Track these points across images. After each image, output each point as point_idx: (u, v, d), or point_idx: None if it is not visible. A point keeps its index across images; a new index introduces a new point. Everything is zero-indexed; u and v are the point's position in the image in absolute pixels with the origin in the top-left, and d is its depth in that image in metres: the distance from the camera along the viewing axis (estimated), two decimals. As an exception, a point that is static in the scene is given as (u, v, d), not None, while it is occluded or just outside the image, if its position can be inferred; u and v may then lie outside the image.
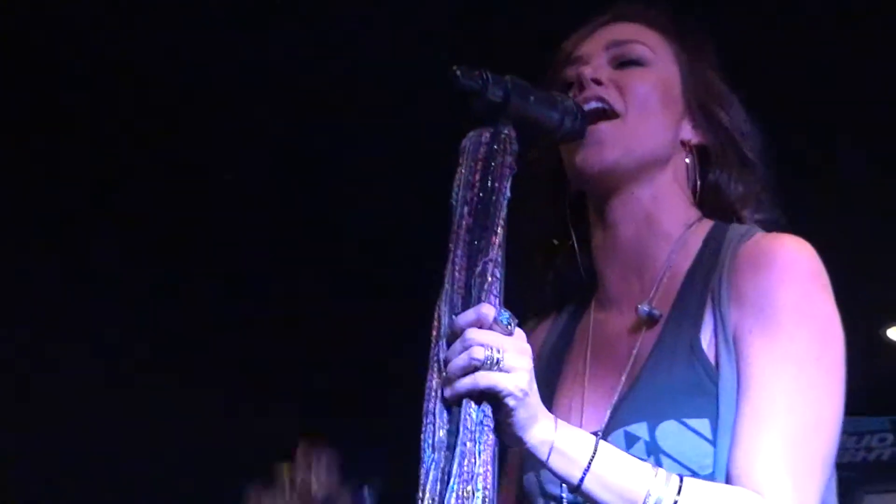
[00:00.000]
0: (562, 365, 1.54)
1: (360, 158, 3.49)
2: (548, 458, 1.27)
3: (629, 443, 1.40)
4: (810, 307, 1.38)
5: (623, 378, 1.47)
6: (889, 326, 4.39)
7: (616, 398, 1.46)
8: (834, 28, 3.08)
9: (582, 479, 1.28)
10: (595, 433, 1.40)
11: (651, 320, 1.45)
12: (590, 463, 1.29)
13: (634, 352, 1.47)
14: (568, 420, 1.40)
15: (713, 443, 1.38)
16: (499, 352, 1.19)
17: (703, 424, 1.38)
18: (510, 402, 1.21)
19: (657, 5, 1.55)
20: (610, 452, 1.30)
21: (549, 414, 1.29)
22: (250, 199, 3.79)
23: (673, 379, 1.42)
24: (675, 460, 1.36)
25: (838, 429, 1.38)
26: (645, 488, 1.29)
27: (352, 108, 3.39)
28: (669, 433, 1.40)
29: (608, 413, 1.45)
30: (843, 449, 4.08)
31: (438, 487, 1.16)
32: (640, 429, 1.40)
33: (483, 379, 1.17)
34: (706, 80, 1.49)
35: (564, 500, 1.41)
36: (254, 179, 3.75)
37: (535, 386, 1.23)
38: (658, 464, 1.37)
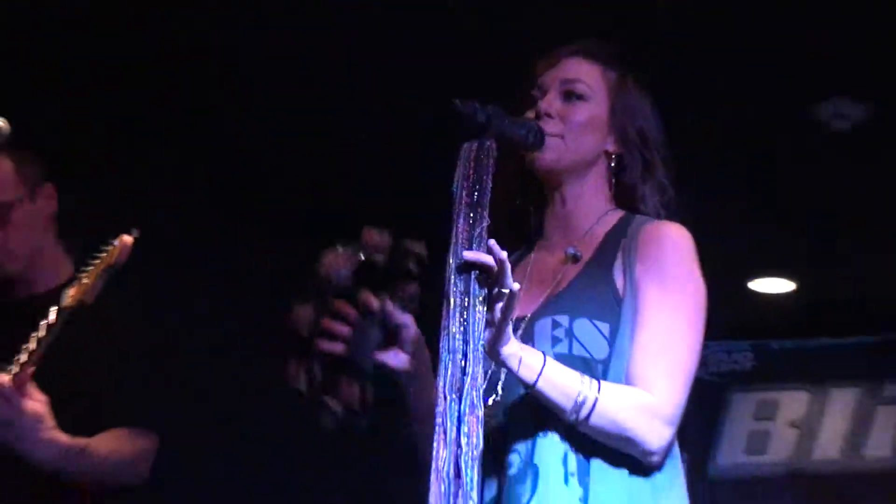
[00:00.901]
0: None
1: None
2: (517, 368, 1.61)
3: (554, 326, 1.76)
4: (685, 271, 1.77)
5: (550, 290, 1.83)
6: (752, 279, 5.22)
7: (545, 299, 1.81)
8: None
9: (536, 381, 1.62)
10: (532, 317, 1.79)
11: (575, 259, 1.82)
12: (542, 370, 1.61)
13: (560, 276, 1.83)
14: (528, 310, 1.81)
15: (610, 342, 1.73)
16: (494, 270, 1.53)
17: (605, 327, 1.73)
18: (494, 319, 1.54)
19: (603, 44, 1.96)
20: (553, 364, 1.64)
21: (515, 338, 1.63)
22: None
23: (590, 293, 1.79)
24: (582, 346, 1.72)
25: (699, 349, 1.75)
26: (576, 390, 1.62)
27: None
28: (582, 326, 1.74)
29: (538, 306, 1.80)
30: (718, 361, 5.21)
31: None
32: (563, 319, 1.74)
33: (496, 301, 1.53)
34: (629, 105, 1.89)
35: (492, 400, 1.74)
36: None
37: (503, 329, 1.57)
38: (571, 347, 1.74)
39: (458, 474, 1.54)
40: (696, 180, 2.12)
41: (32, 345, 2.27)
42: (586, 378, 1.66)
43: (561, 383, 1.65)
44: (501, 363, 1.63)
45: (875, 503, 5.23)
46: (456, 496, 1.52)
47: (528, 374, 1.63)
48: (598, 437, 1.73)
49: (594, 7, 3.36)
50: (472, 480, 1.53)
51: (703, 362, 4.26)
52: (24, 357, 2.27)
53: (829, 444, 5.42)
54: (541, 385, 1.64)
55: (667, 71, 3.14)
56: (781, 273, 5.19)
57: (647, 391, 1.70)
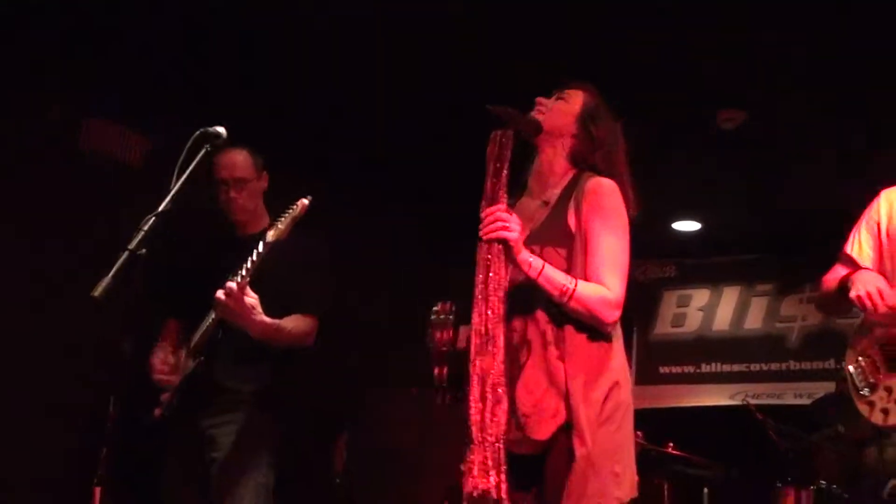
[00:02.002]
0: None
1: None
2: (529, 269, 2.09)
3: (531, 252, 2.18)
4: (614, 209, 2.26)
5: (530, 228, 2.28)
6: (675, 222, 6.39)
7: (527, 235, 2.24)
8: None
9: (539, 276, 2.10)
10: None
11: (545, 205, 2.30)
12: (542, 269, 2.13)
13: (536, 216, 2.30)
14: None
15: (567, 261, 2.22)
16: (516, 224, 2.06)
17: (563, 252, 2.23)
18: (512, 242, 2.07)
19: (588, 84, 2.45)
20: (549, 266, 2.14)
21: (525, 250, 2.09)
22: None
23: (551, 231, 2.26)
24: (548, 262, 2.16)
25: (628, 258, 2.22)
26: (562, 283, 2.13)
27: None
28: (549, 251, 2.22)
29: (526, 238, 2.21)
30: (654, 271, 6.89)
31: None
32: (536, 248, 2.21)
33: (502, 232, 2.05)
34: (595, 115, 2.39)
35: None
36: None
37: (521, 236, 2.03)
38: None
39: (486, 332, 2.07)
40: (643, 169, 2.44)
41: (248, 264, 2.77)
42: (569, 276, 2.13)
43: (554, 278, 2.13)
44: (518, 265, 2.11)
45: (751, 357, 6.50)
46: (486, 345, 2.03)
47: (533, 273, 2.11)
48: (575, 315, 2.16)
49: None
50: (493, 337, 2.04)
51: (644, 271, 6.44)
52: (244, 272, 2.77)
53: (722, 320, 6.76)
54: (541, 279, 2.12)
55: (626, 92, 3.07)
56: (692, 218, 6.40)
57: (603, 285, 2.16)
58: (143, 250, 2.14)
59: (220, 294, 2.76)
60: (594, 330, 2.18)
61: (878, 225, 2.58)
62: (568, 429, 2.11)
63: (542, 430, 2.12)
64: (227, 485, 2.93)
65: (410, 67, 4.21)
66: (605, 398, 2.15)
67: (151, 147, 4.03)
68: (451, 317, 2.26)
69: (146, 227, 2.18)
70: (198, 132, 2.37)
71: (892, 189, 2.61)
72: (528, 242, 2.22)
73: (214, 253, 3.13)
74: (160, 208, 2.24)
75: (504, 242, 2.10)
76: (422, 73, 4.26)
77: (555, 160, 2.38)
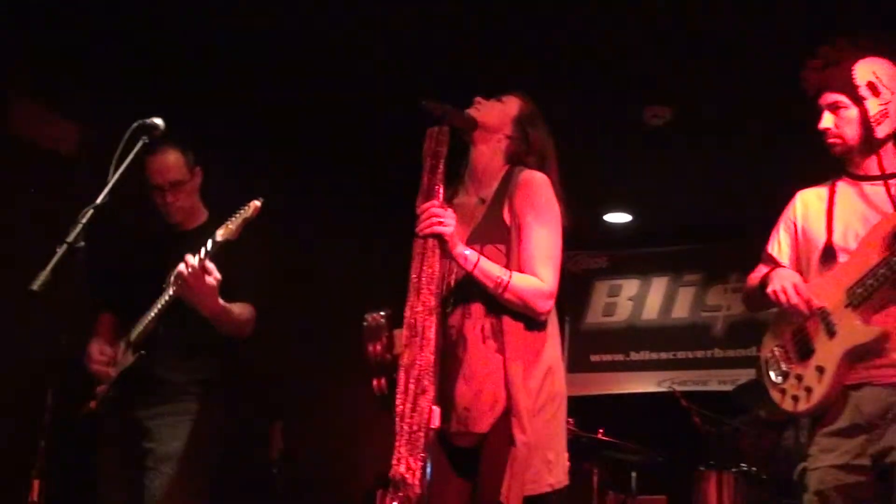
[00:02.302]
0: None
1: None
2: (465, 262, 2.15)
3: (473, 249, 2.27)
4: (546, 202, 2.30)
5: (471, 226, 2.35)
6: (606, 214, 6.59)
7: (469, 234, 2.32)
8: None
9: (474, 269, 2.19)
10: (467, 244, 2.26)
11: (482, 203, 2.38)
12: (477, 261, 2.20)
13: (475, 214, 2.37)
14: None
15: (506, 256, 2.28)
16: (451, 219, 2.12)
17: (502, 248, 2.30)
18: (447, 236, 2.12)
19: (525, 89, 2.54)
20: (484, 259, 2.22)
21: (461, 244, 2.17)
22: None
23: (490, 229, 2.32)
24: (489, 262, 2.25)
25: (561, 249, 2.29)
26: (497, 275, 2.20)
27: None
28: (489, 249, 2.29)
29: (466, 239, 2.29)
30: (587, 262, 7.03)
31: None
32: (476, 246, 2.28)
33: (437, 227, 2.10)
34: (529, 118, 2.47)
35: None
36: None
37: (455, 230, 2.13)
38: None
39: (416, 324, 2.13)
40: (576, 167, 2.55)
41: (202, 253, 2.77)
42: (504, 269, 2.22)
43: (489, 270, 2.22)
44: (454, 259, 2.18)
45: (679, 345, 6.58)
46: (414, 337, 2.10)
47: (469, 265, 2.20)
48: (510, 306, 2.23)
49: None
50: (423, 329, 2.10)
51: (576, 262, 6.55)
52: (202, 254, 2.77)
53: (651, 310, 6.93)
54: (476, 272, 2.21)
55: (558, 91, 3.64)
56: (622, 210, 6.59)
57: (537, 277, 2.24)
58: (82, 243, 2.14)
59: (181, 268, 2.75)
60: (530, 320, 2.24)
61: (795, 225, 2.72)
62: (507, 416, 2.16)
63: (482, 423, 2.18)
64: (165, 474, 2.94)
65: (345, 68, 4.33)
66: (540, 387, 2.21)
67: (85, 135, 4.05)
68: (383, 324, 2.29)
69: (84, 220, 2.18)
70: (135, 124, 2.36)
71: (806, 190, 2.76)
72: (470, 241, 2.28)
73: (153, 249, 3.12)
74: (98, 201, 2.25)
75: (439, 237, 2.15)
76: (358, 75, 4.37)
77: (490, 158, 2.43)
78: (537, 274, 2.24)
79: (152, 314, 2.96)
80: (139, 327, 3.03)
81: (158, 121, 2.36)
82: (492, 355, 2.20)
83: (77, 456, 3.00)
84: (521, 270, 2.25)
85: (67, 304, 2.08)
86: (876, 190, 2.56)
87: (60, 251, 2.13)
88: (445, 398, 2.20)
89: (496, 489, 2.12)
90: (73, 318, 2.23)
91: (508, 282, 2.18)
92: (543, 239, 2.27)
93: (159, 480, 2.92)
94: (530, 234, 2.27)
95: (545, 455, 2.19)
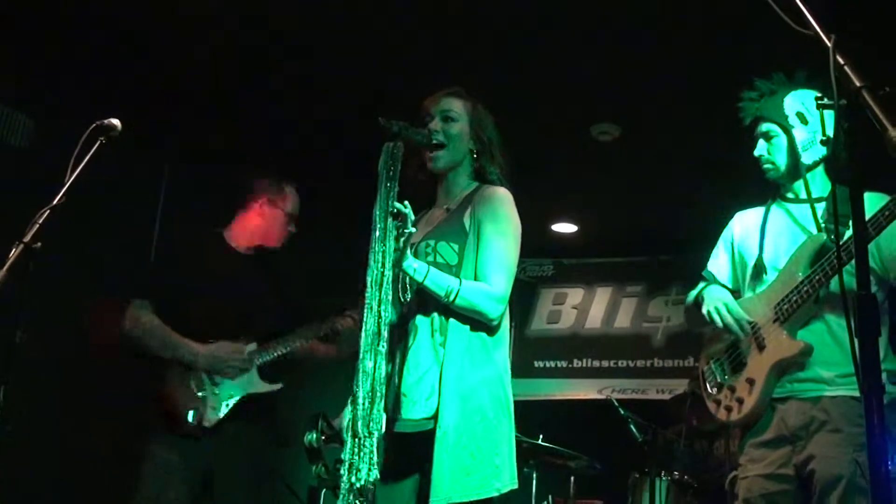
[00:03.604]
0: (418, 224, 2.43)
1: None
2: (413, 273, 2.25)
3: (427, 246, 2.41)
4: (507, 213, 2.42)
5: (430, 229, 2.49)
6: (553, 224, 6.60)
7: (425, 234, 2.45)
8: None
9: (424, 279, 2.28)
10: (417, 242, 2.41)
11: (447, 211, 2.52)
12: (427, 273, 2.29)
13: (438, 221, 2.50)
14: (418, 239, 2.41)
15: (458, 255, 2.37)
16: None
17: (455, 247, 2.39)
18: (406, 233, 2.20)
19: (460, 89, 2.61)
20: (434, 270, 2.30)
21: (414, 258, 2.25)
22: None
23: (447, 229, 2.45)
24: (440, 254, 2.38)
25: (517, 259, 2.40)
26: (447, 283, 2.30)
27: None
28: (442, 245, 2.40)
29: (422, 237, 2.44)
30: (533, 269, 7.07)
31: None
32: (432, 242, 2.42)
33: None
34: (480, 120, 2.55)
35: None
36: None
37: (405, 253, 2.22)
38: (436, 257, 2.37)
39: (378, 332, 2.18)
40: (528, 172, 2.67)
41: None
42: (453, 277, 2.32)
43: (438, 280, 2.32)
44: (404, 271, 2.27)
45: (620, 354, 6.78)
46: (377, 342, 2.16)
47: (419, 276, 2.30)
48: (462, 312, 2.32)
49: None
50: (383, 337, 2.16)
51: (524, 270, 6.62)
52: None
53: (594, 319, 7.01)
54: (426, 282, 2.31)
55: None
56: (569, 221, 6.62)
57: (489, 284, 2.34)
58: (38, 244, 2.17)
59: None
60: (478, 323, 2.32)
61: (733, 245, 2.87)
62: (443, 416, 2.22)
63: (417, 411, 2.25)
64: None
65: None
66: (487, 392, 2.28)
67: (36, 128, 4.06)
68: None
69: (41, 220, 2.22)
70: (93, 125, 2.39)
71: (744, 212, 2.91)
72: (427, 238, 2.41)
73: (232, 268, 3.41)
74: (55, 201, 2.29)
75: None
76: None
77: (458, 179, 2.58)
78: (490, 280, 2.32)
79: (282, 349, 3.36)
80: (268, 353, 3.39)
81: (115, 122, 2.40)
82: (436, 347, 2.28)
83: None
84: (475, 277, 2.34)
85: (22, 303, 2.12)
86: (804, 212, 2.69)
87: (16, 251, 2.15)
88: (393, 385, 2.30)
89: (437, 482, 2.19)
90: (27, 315, 2.23)
91: (458, 290, 2.26)
92: (499, 248, 2.36)
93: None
94: (488, 243, 2.36)
95: (492, 460, 2.24)
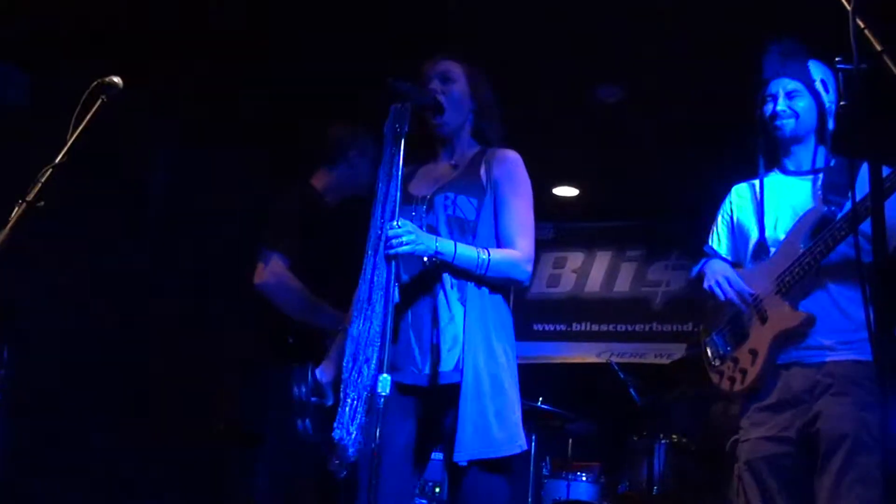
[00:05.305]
0: (415, 177, 2.53)
1: None
2: (444, 256, 2.26)
3: (445, 199, 2.39)
4: (523, 178, 2.48)
5: (441, 183, 2.46)
6: (554, 187, 6.61)
7: (439, 187, 2.44)
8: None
9: (454, 256, 2.30)
10: (433, 194, 2.41)
11: (454, 168, 2.53)
12: (455, 247, 2.31)
13: (447, 174, 2.51)
14: (419, 191, 2.46)
15: (477, 210, 2.38)
16: (408, 234, 2.19)
17: (474, 201, 2.40)
18: (418, 252, 2.24)
19: (459, 51, 2.63)
20: (461, 245, 2.30)
21: (434, 237, 2.26)
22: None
23: (465, 183, 2.45)
24: (460, 209, 2.39)
25: (534, 222, 2.44)
26: (476, 255, 2.31)
27: None
28: (461, 198, 2.41)
29: (436, 190, 2.42)
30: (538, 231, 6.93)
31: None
32: (450, 195, 2.42)
33: (405, 246, 2.17)
34: (478, 83, 2.58)
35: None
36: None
37: (422, 237, 2.23)
38: (455, 210, 2.37)
39: (369, 298, 2.22)
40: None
41: None
42: (482, 249, 2.32)
43: (467, 255, 2.34)
44: (434, 258, 2.32)
45: (619, 318, 6.80)
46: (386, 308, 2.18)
47: (447, 258, 2.33)
48: (495, 283, 2.37)
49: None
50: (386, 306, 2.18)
51: None
52: None
53: (594, 282, 7.02)
54: (456, 262, 2.34)
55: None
56: (570, 185, 6.63)
57: (514, 248, 2.38)
58: (42, 202, 2.13)
59: None
60: (491, 286, 2.35)
61: (731, 217, 2.86)
62: (468, 372, 2.23)
63: (446, 363, 2.27)
64: None
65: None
66: (503, 350, 2.32)
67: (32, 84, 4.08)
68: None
69: (43, 179, 2.18)
70: (94, 83, 2.35)
71: (740, 185, 2.91)
72: (443, 191, 2.40)
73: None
74: (57, 160, 2.24)
75: (408, 255, 2.25)
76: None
77: (461, 139, 2.60)
78: (516, 244, 2.36)
79: None
80: None
81: (117, 79, 2.35)
82: (454, 303, 2.30)
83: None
84: (498, 241, 2.37)
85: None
86: (804, 183, 2.68)
87: (18, 209, 2.12)
88: (421, 343, 2.30)
89: (461, 438, 2.20)
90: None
91: (488, 262, 2.28)
92: (520, 211, 2.40)
93: None
94: (508, 207, 2.40)
95: (515, 417, 2.28)
